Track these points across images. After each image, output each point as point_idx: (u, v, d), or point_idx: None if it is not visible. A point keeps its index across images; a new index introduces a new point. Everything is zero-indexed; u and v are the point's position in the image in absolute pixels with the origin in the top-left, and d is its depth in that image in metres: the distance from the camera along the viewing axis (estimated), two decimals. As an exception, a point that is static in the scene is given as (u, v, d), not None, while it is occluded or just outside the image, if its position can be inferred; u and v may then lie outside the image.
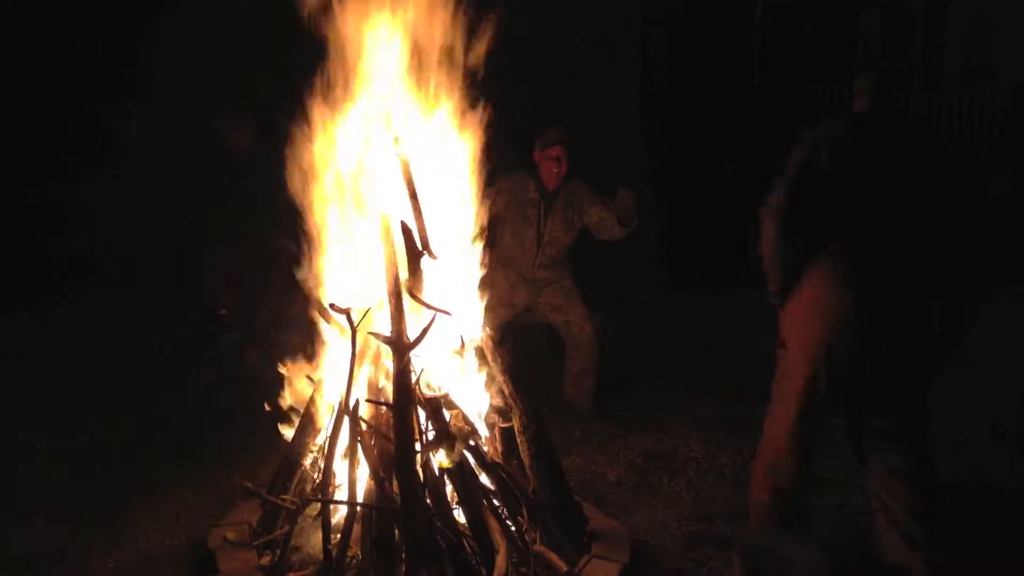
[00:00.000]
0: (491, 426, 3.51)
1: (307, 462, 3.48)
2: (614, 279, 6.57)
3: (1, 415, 5.01)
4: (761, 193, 3.22)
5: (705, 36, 9.45)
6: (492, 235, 5.10)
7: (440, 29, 3.41)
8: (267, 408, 3.63)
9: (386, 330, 3.22)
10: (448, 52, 3.42)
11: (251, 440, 4.67)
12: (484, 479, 3.35)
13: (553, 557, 3.23)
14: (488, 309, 5.15)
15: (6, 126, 5.59)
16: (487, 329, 3.50)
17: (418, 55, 3.44)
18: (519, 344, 5.22)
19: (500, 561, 3.09)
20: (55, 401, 5.22)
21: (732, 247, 8.89)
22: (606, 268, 6.72)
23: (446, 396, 3.34)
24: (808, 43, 10.12)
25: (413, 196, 3.32)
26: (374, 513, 3.13)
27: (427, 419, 3.25)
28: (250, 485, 3.45)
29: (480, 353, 3.45)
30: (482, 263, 3.64)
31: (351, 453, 3.24)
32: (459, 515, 3.23)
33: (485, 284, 3.63)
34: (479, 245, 3.62)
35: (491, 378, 3.45)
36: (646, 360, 6.11)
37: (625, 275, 6.80)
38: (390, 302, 3.22)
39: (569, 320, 5.13)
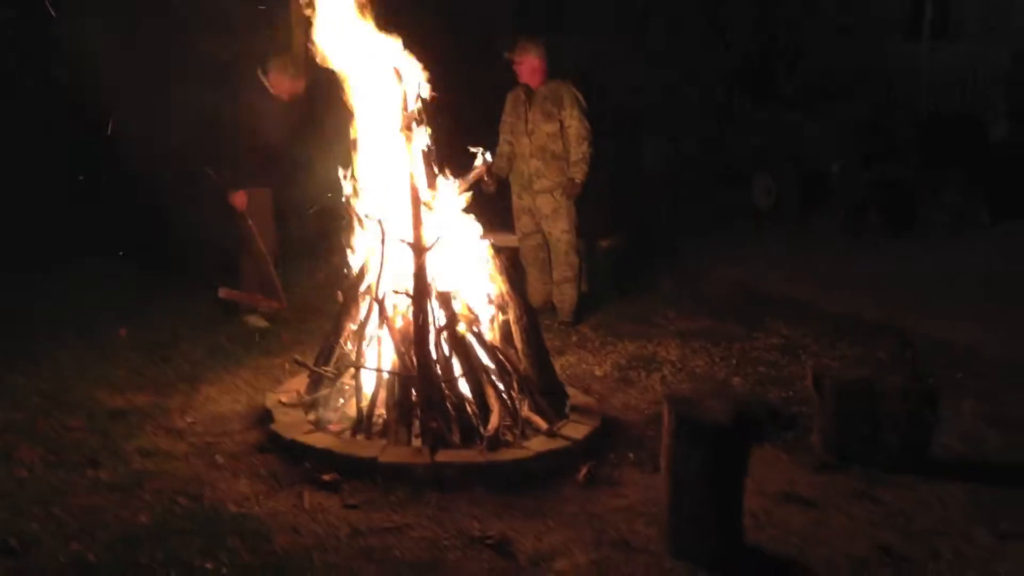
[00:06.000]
0: (491, 318, 4.29)
1: (344, 342, 4.31)
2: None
3: (86, 308, 5.94)
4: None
5: None
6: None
7: None
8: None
9: (408, 235, 4.01)
10: None
11: (299, 336, 5.55)
12: (484, 358, 4.15)
13: (537, 419, 4.05)
14: (516, 217, 5.97)
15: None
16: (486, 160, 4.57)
17: None
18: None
19: (494, 419, 3.92)
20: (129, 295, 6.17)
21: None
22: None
23: (455, 290, 4.14)
24: None
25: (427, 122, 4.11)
26: (396, 380, 3.97)
27: (439, 307, 4.05)
28: (299, 359, 4.30)
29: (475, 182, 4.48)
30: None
31: (379, 334, 4.08)
32: (463, 387, 4.05)
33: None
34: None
35: (491, 276, 4.23)
36: (650, 280, 6.92)
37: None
38: (411, 211, 4.00)
39: (551, 231, 5.91)
